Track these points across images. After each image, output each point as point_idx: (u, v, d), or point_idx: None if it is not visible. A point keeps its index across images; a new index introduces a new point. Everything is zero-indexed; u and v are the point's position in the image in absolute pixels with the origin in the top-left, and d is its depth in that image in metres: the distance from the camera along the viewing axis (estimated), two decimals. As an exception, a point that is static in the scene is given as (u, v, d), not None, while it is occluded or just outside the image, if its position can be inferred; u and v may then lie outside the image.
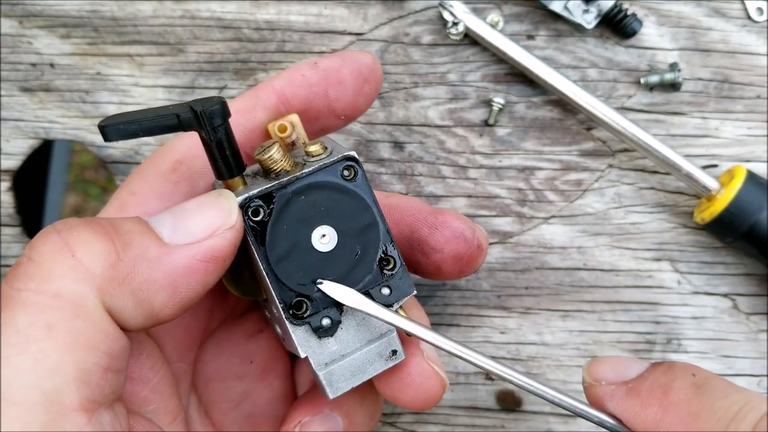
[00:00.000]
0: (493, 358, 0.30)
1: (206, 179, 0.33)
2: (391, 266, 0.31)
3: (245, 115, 0.32)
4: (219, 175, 0.30)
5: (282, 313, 0.29)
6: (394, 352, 0.31)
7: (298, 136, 0.33)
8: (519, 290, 0.44)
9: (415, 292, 0.32)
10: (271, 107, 0.33)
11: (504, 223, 0.44)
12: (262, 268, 0.29)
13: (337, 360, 0.30)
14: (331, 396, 0.30)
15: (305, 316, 0.30)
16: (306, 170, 0.30)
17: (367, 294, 0.31)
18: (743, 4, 0.44)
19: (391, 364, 0.31)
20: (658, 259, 0.44)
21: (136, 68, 0.44)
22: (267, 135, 0.33)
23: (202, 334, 0.35)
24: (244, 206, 0.29)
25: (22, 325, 0.24)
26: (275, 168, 0.30)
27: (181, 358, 0.33)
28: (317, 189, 0.30)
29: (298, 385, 0.38)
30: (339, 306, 0.30)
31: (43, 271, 0.25)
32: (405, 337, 0.31)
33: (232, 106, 0.31)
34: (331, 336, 0.30)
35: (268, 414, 0.36)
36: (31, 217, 0.47)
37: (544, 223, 0.44)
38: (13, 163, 0.44)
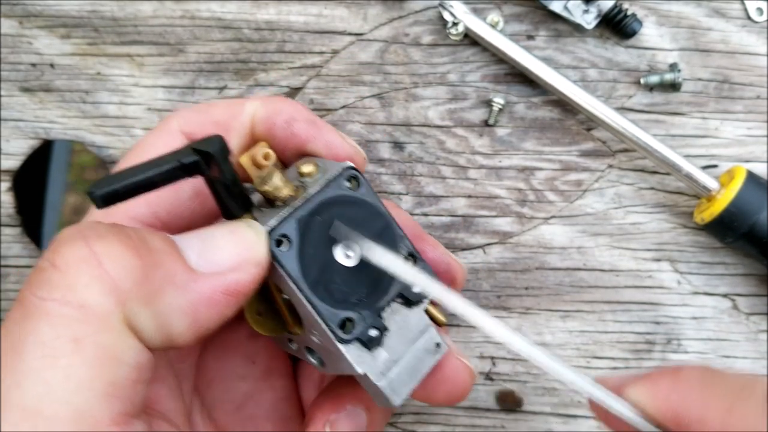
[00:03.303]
0: (537, 344, 0.28)
1: (191, 184, 0.32)
2: (412, 262, 0.31)
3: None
4: (229, 215, 0.28)
5: (331, 335, 0.29)
6: (438, 344, 0.31)
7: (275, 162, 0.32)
8: (519, 290, 0.44)
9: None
10: (244, 135, 0.32)
11: (504, 223, 0.44)
12: (301, 296, 0.28)
13: (391, 367, 0.30)
14: (397, 403, 0.30)
15: (353, 332, 0.29)
16: (313, 190, 0.29)
17: (402, 296, 0.31)
18: (743, 4, 0.44)
19: (438, 356, 0.31)
20: (658, 260, 0.44)
21: (136, 68, 0.44)
22: (240, 165, 0.31)
23: (204, 335, 0.35)
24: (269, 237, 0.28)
25: (47, 338, 0.23)
26: (280, 195, 0.29)
27: (183, 359, 0.33)
28: (329, 206, 0.29)
29: (300, 385, 0.38)
30: (379, 314, 0.30)
31: (68, 279, 0.24)
32: (437, 329, 0.31)
33: (212, 118, 0.30)
34: (380, 345, 0.30)
35: (272, 415, 0.36)
36: (31, 217, 0.47)
37: (544, 224, 0.44)
38: (13, 163, 0.44)
